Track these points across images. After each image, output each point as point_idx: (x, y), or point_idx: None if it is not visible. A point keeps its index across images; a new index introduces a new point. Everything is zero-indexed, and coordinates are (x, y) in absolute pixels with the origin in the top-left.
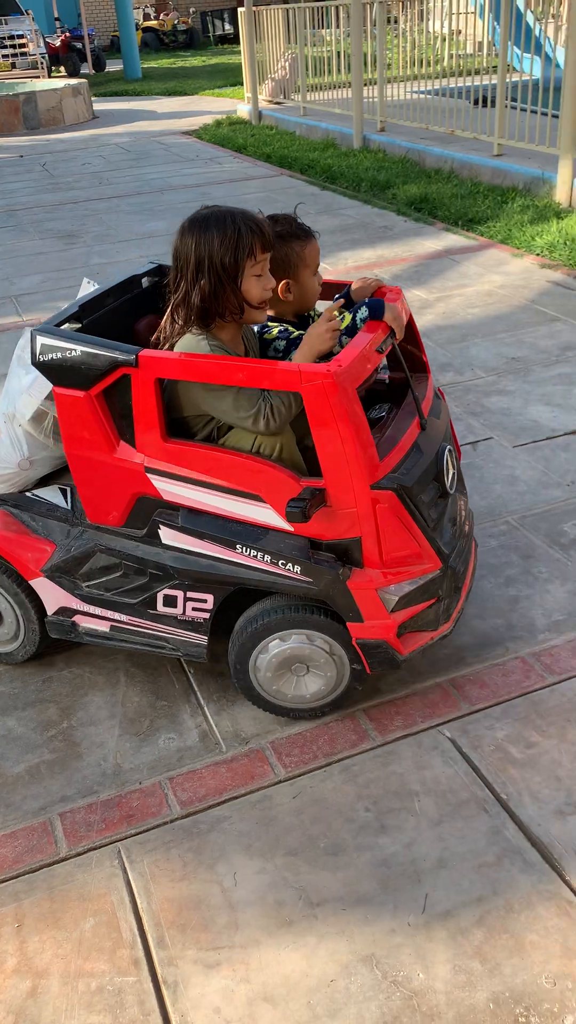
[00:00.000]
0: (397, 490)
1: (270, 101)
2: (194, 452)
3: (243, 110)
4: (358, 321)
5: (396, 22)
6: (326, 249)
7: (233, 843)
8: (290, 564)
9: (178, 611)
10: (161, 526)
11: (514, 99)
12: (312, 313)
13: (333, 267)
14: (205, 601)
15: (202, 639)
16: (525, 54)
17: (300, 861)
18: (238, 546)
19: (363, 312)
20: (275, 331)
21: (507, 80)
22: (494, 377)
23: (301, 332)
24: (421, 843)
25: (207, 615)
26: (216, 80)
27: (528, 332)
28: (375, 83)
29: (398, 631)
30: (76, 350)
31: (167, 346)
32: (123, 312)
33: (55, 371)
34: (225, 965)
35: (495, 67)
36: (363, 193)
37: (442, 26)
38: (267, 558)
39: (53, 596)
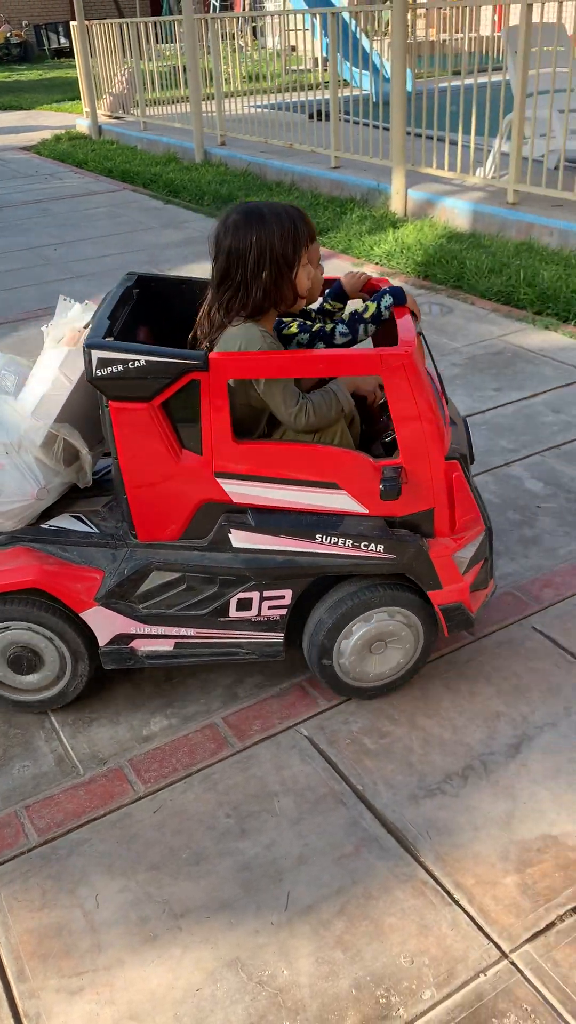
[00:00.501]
0: (460, 458)
1: (110, 116)
2: (267, 449)
3: (83, 125)
4: (383, 309)
5: (232, 38)
6: (171, 263)
7: (94, 865)
8: (373, 544)
9: (253, 613)
10: (231, 530)
11: (347, 112)
12: (312, 308)
13: None
14: (283, 597)
15: (278, 636)
16: (357, 69)
17: (163, 874)
18: (318, 536)
19: (387, 300)
20: (294, 326)
21: (340, 95)
22: None
23: (320, 324)
24: (282, 842)
25: (284, 611)
26: (54, 94)
27: None
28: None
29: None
30: (139, 360)
31: (207, 343)
32: (128, 325)
33: (114, 385)
34: (89, 989)
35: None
36: (206, 207)
37: (275, 43)
38: (348, 543)
39: (108, 625)
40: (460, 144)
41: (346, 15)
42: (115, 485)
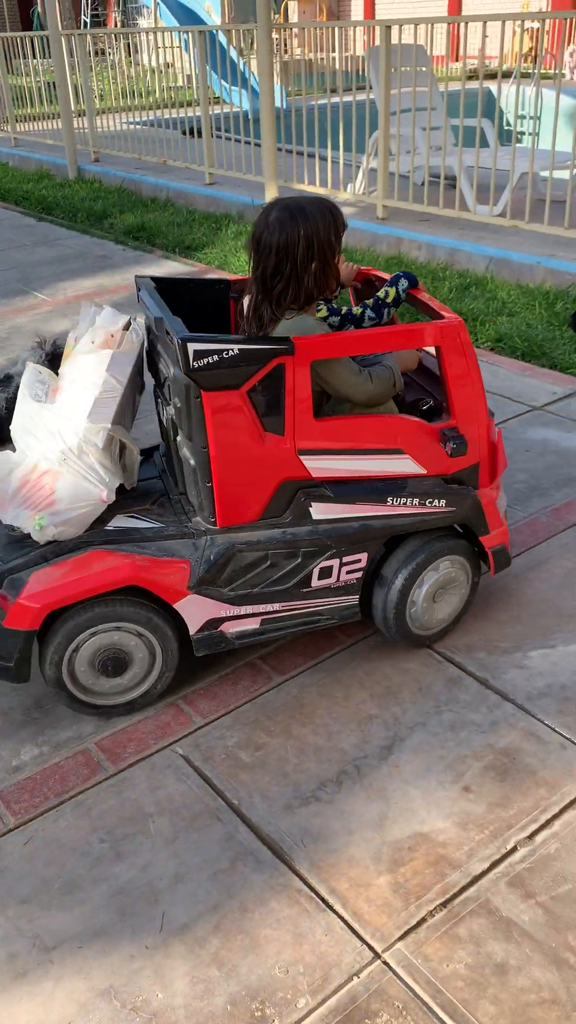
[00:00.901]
0: (492, 416)
1: None
2: (342, 424)
3: None
4: (401, 292)
5: (105, 54)
6: (43, 281)
7: None
8: (436, 500)
9: (333, 580)
10: (312, 503)
11: (219, 129)
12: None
13: (52, 298)
14: (359, 561)
15: (354, 598)
16: (232, 87)
17: (34, 907)
18: (389, 499)
19: (404, 283)
20: (324, 310)
21: (213, 112)
22: None
23: (348, 308)
24: (157, 863)
25: (360, 574)
26: None
27: None
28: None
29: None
30: (233, 349)
31: (262, 335)
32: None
33: (210, 375)
34: None
35: None
36: (80, 223)
37: (149, 59)
38: (415, 501)
39: (199, 612)
40: (330, 160)
41: (218, 33)
42: (191, 477)
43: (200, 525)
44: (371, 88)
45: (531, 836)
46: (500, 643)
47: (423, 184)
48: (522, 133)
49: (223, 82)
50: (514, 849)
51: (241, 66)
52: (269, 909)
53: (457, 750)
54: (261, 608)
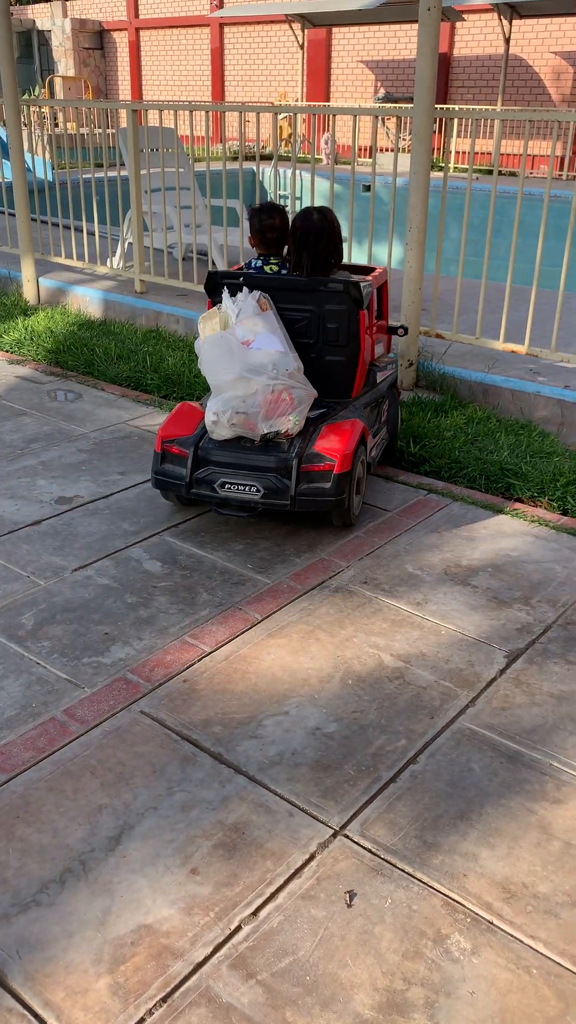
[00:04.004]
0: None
1: None
2: (377, 328)
3: None
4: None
5: None
6: None
7: None
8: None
9: (383, 417)
10: (376, 373)
11: None
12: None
13: None
14: (388, 403)
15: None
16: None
17: None
18: (390, 366)
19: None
20: (275, 266)
21: None
22: None
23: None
24: None
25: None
26: None
27: None
28: None
29: None
30: (370, 286)
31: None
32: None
33: (363, 301)
34: None
35: None
36: None
37: None
38: (393, 366)
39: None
40: (89, 233)
41: None
42: (335, 371)
43: (339, 402)
44: (125, 166)
45: (255, 912)
46: (236, 715)
47: (186, 258)
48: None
49: None
50: (238, 928)
51: (5, 138)
52: None
53: (187, 831)
54: (372, 441)
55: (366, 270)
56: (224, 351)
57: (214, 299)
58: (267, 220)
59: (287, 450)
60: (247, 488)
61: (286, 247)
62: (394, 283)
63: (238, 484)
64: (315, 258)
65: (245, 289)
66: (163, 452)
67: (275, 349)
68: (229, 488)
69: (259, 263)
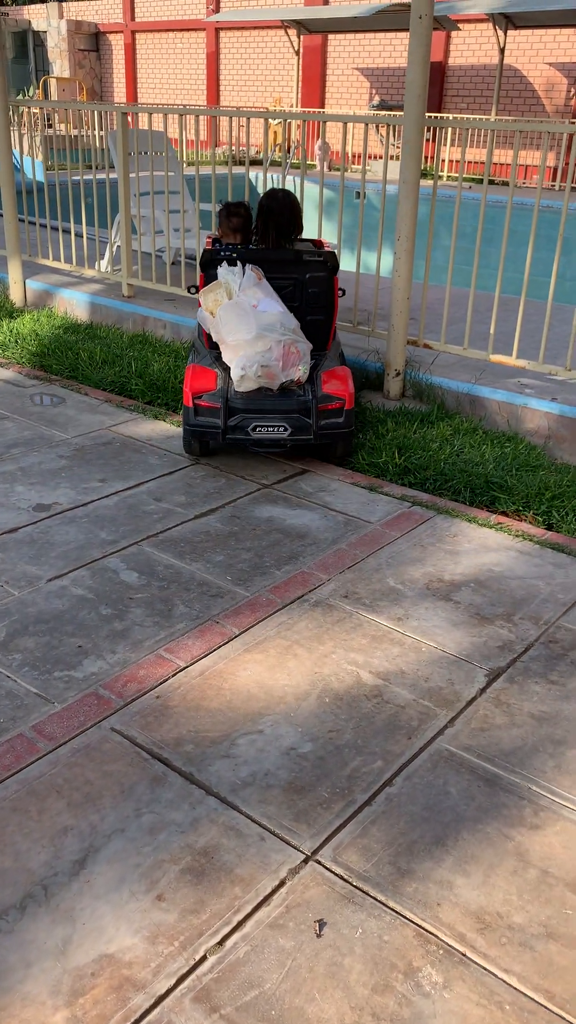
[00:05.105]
0: None
1: None
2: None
3: None
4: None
5: None
6: None
7: None
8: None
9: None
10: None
11: None
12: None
13: None
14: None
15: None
16: None
17: None
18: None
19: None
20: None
21: None
22: None
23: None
24: None
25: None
26: None
27: None
28: None
29: None
30: (336, 255)
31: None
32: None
33: (335, 268)
34: None
35: None
36: None
37: None
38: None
39: None
40: (78, 236)
41: None
42: (317, 327)
43: (320, 353)
44: (115, 168)
45: (222, 941)
46: (209, 733)
47: (175, 263)
48: None
49: None
50: (204, 959)
51: None
52: None
53: (155, 855)
54: None
55: (317, 243)
56: (240, 314)
57: (207, 273)
58: (234, 212)
59: (304, 394)
60: (276, 429)
61: (252, 235)
62: (383, 292)
63: (268, 426)
64: (279, 230)
65: (238, 263)
66: (195, 406)
67: (277, 311)
68: (260, 431)
69: (230, 247)
